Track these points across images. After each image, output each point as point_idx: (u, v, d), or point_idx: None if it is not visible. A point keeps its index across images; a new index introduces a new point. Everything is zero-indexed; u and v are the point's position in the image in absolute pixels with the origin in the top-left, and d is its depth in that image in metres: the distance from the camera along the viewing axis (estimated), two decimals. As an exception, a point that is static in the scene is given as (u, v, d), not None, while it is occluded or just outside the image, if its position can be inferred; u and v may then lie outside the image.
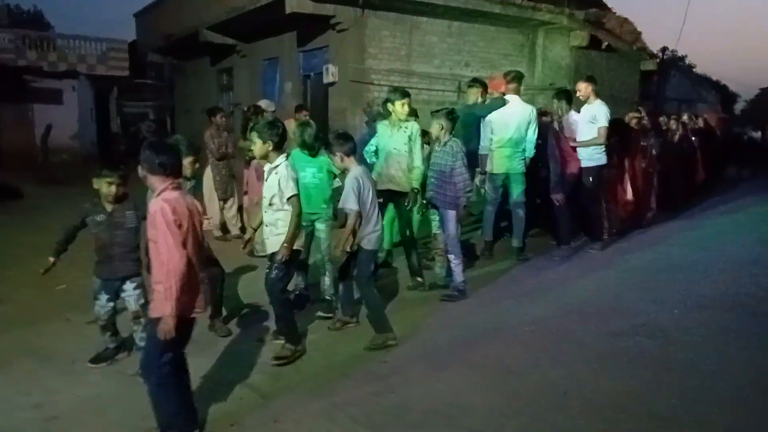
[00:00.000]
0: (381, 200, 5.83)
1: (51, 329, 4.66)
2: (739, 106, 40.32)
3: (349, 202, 4.20)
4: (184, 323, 2.98)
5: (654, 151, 8.42)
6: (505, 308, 5.06)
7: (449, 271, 5.42)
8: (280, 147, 4.04)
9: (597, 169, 6.74)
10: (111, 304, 3.97)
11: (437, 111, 5.34)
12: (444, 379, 3.75)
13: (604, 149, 6.72)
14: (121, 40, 22.53)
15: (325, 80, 10.27)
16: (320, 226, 5.00)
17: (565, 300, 5.23)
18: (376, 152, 5.75)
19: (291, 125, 6.08)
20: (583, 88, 6.77)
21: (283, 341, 4.17)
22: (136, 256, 3.91)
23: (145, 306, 3.77)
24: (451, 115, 5.23)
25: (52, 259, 3.93)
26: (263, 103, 8.49)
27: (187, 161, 4.10)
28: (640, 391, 3.54)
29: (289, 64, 11.82)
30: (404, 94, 5.52)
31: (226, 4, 12.15)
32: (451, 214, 5.17)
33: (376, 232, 4.37)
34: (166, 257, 2.83)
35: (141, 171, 3.08)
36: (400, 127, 5.49)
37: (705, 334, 4.41)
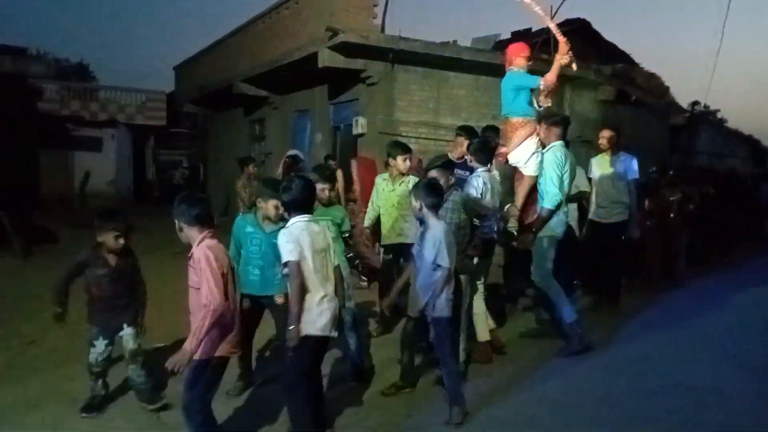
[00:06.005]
0: (391, 256, 5.72)
1: (79, 372, 4.69)
2: (772, 161, 39.59)
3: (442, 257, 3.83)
4: (217, 363, 3.11)
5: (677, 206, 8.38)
6: (533, 364, 4.95)
7: None
8: (289, 206, 3.45)
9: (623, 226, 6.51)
10: (109, 348, 3.98)
11: (436, 165, 4.73)
12: (470, 435, 3.67)
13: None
14: (159, 91, 23.60)
15: (354, 131, 10.47)
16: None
17: (595, 357, 5.11)
18: None
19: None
20: (608, 136, 6.46)
21: None
22: (133, 301, 4.02)
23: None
24: (449, 165, 4.87)
25: (59, 310, 3.94)
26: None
27: (271, 204, 3.99)
28: (675, 454, 3.41)
29: (320, 115, 12.12)
30: (406, 149, 5.66)
31: (260, 57, 12.62)
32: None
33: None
34: (208, 300, 2.94)
35: (178, 225, 3.18)
36: (402, 181, 5.60)
37: (740, 395, 4.25)
